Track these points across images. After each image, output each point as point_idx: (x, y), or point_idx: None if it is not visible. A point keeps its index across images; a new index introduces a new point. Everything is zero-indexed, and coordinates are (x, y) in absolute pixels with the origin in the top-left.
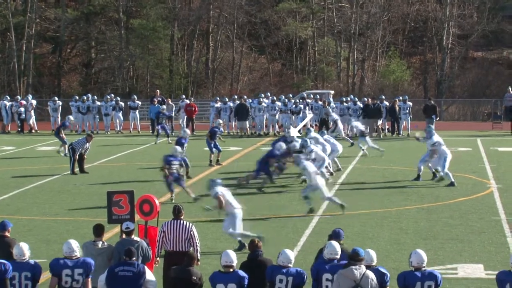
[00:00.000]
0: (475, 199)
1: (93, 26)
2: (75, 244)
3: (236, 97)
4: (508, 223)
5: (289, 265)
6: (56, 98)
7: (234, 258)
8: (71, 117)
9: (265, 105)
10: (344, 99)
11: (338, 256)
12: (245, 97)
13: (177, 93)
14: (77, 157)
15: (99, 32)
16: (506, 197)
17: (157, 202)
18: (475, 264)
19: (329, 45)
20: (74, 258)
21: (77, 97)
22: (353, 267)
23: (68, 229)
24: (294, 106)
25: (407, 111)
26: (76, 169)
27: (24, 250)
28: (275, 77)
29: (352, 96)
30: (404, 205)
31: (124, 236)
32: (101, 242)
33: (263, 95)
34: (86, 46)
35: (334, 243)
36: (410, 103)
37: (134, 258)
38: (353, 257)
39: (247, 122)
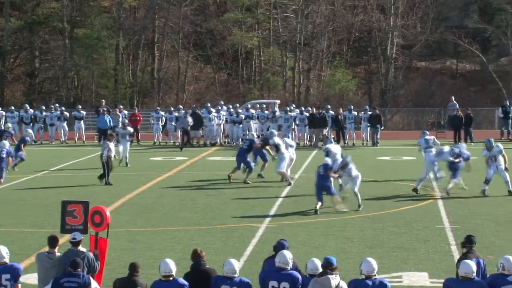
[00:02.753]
0: (420, 207)
1: (37, 35)
2: (4, 250)
3: (181, 106)
4: (452, 231)
5: (234, 275)
6: (0, 108)
7: (172, 266)
8: (30, 130)
9: (216, 115)
10: (289, 108)
11: (289, 267)
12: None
13: (123, 103)
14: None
15: (43, 41)
16: (449, 206)
17: (107, 213)
18: (420, 272)
19: (274, 55)
20: (1, 264)
21: (13, 108)
22: (330, 276)
23: (12, 239)
24: (236, 115)
25: (352, 120)
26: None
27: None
28: (221, 86)
29: (294, 106)
30: (350, 214)
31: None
32: (55, 254)
33: (221, 105)
34: (30, 55)
35: (286, 252)
36: (355, 113)
37: (79, 269)
38: (327, 266)
39: (200, 132)
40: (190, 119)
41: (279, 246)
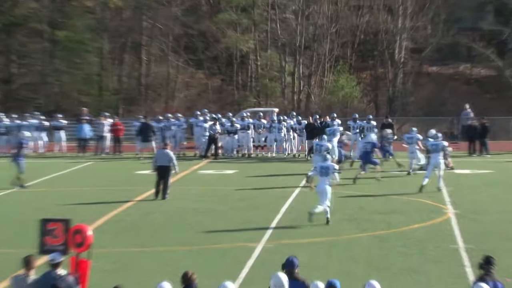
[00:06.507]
0: (431, 226)
1: (14, 38)
2: None
3: (170, 115)
4: (467, 251)
5: None
6: None
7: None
8: (27, 133)
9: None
10: (285, 117)
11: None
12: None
13: (107, 111)
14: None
15: (20, 44)
16: (464, 224)
17: (89, 232)
18: None
19: (272, 59)
20: None
21: None
22: None
23: None
24: (230, 125)
25: (357, 130)
26: None
27: None
28: (214, 93)
29: (294, 114)
30: (355, 232)
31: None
32: (32, 276)
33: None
34: (6, 60)
35: (280, 274)
36: (360, 122)
37: None
38: None
39: (152, 143)
40: (218, 126)
41: (288, 264)
